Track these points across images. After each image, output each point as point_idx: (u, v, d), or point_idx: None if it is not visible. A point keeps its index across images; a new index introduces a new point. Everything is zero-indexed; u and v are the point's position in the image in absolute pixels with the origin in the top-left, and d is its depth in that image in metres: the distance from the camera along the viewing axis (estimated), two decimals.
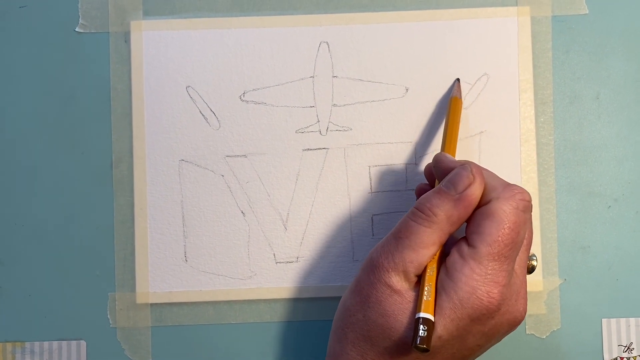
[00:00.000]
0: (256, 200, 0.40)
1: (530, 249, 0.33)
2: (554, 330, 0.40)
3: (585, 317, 0.40)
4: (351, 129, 0.40)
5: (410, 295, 0.30)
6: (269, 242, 0.40)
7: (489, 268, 0.30)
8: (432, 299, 0.30)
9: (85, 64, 0.41)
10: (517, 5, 0.41)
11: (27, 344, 0.40)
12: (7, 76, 0.41)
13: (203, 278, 0.40)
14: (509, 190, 0.31)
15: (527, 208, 0.31)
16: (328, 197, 0.40)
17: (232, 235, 0.40)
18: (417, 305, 0.30)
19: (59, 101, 0.41)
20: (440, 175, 0.34)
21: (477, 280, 0.30)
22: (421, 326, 0.29)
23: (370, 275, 0.31)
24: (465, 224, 0.32)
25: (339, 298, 0.40)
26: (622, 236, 0.40)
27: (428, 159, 0.40)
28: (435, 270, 0.31)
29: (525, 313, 0.32)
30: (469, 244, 0.31)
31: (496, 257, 0.30)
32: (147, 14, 0.41)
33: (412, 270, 0.31)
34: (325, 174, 0.40)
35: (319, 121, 0.40)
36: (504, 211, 0.30)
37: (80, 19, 0.41)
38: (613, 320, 0.40)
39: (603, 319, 0.40)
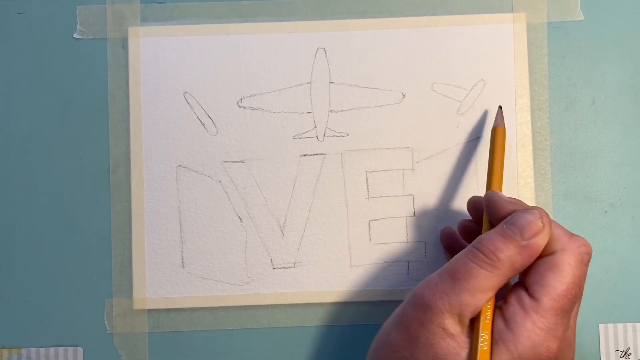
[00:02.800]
0: (253, 205, 0.40)
1: (581, 299, 0.32)
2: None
3: (583, 322, 0.40)
4: (348, 135, 0.41)
5: (463, 340, 0.29)
6: (267, 247, 0.40)
7: (552, 322, 0.29)
8: (488, 348, 0.29)
9: (83, 70, 0.41)
10: (513, 12, 0.41)
11: (24, 350, 0.40)
12: (6, 82, 0.41)
13: (200, 284, 0.40)
14: (574, 242, 0.30)
15: (589, 261, 0.31)
16: (325, 203, 0.40)
17: (230, 241, 0.40)
18: (472, 353, 0.29)
19: (57, 107, 0.41)
20: (494, 216, 0.32)
21: (539, 335, 0.29)
22: None
23: (420, 313, 0.30)
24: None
25: (336, 304, 0.40)
26: (619, 241, 0.40)
27: (425, 165, 0.40)
28: (490, 316, 0.30)
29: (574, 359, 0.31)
30: (531, 295, 0.30)
31: (559, 311, 0.29)
32: (145, 20, 0.41)
33: (468, 315, 0.29)
34: (322, 180, 0.40)
35: (316, 127, 0.41)
36: (570, 264, 0.30)
37: (78, 26, 0.41)
38: (610, 326, 0.40)
39: (600, 324, 0.40)
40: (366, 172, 0.40)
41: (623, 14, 0.41)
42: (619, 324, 0.40)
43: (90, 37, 0.41)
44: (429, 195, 0.40)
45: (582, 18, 0.41)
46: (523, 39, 0.41)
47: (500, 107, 0.39)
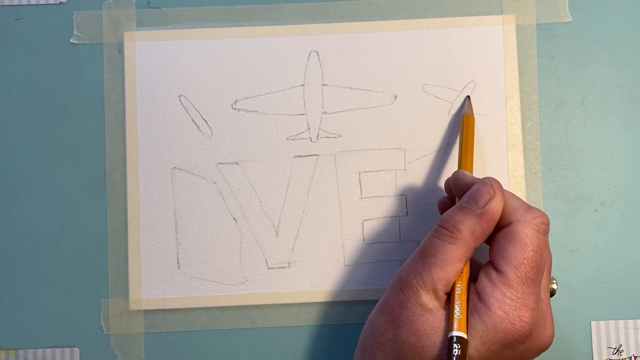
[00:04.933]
0: (248, 206, 0.41)
1: (550, 272, 0.33)
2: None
3: (575, 319, 0.40)
4: (341, 136, 0.41)
5: (441, 313, 0.31)
6: (261, 248, 0.41)
7: (519, 291, 0.30)
8: (463, 317, 0.30)
9: (80, 74, 0.42)
10: (502, 14, 0.42)
11: (21, 352, 0.40)
12: (3, 86, 0.42)
13: (196, 284, 0.40)
14: (530, 213, 0.31)
15: (547, 231, 0.32)
16: (319, 203, 0.41)
17: (225, 242, 0.41)
18: (449, 324, 0.30)
19: (53, 111, 0.41)
20: (459, 192, 0.34)
21: (509, 304, 0.30)
22: (455, 345, 0.29)
23: (399, 294, 0.31)
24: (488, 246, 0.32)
25: (330, 303, 0.40)
26: (610, 239, 0.41)
27: (417, 165, 0.41)
28: (464, 287, 0.31)
29: (553, 338, 0.32)
30: (496, 269, 0.31)
31: (524, 280, 0.30)
32: (141, 25, 0.42)
33: (441, 288, 0.31)
34: (316, 180, 0.41)
35: (309, 128, 0.41)
36: (527, 234, 0.31)
37: (74, 31, 0.42)
38: (602, 323, 0.40)
39: (592, 322, 0.40)
40: (359, 172, 0.41)
41: (611, 16, 0.42)
42: (610, 321, 0.40)
43: (87, 42, 0.42)
44: (421, 194, 0.41)
45: (571, 19, 0.42)
46: (512, 40, 0.41)
47: (468, 97, 0.41)
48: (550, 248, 0.40)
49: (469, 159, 0.37)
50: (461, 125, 0.39)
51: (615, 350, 0.40)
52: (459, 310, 0.30)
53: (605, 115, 0.41)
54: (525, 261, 0.30)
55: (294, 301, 0.40)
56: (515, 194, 0.34)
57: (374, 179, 0.41)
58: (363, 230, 0.41)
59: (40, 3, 0.42)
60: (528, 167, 0.41)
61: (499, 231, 0.32)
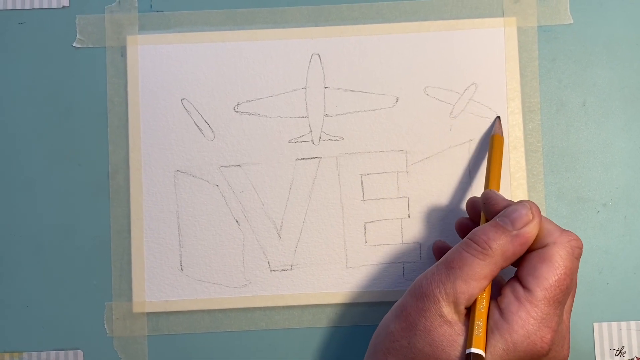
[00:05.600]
0: (250, 209, 0.41)
1: (574, 295, 0.33)
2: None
3: (577, 321, 0.40)
4: (343, 139, 0.41)
5: (459, 327, 0.30)
6: (264, 250, 0.41)
7: (544, 312, 0.30)
8: (483, 335, 0.30)
9: (83, 78, 0.42)
10: (503, 16, 0.42)
11: (25, 354, 0.40)
12: (7, 89, 0.42)
13: (199, 287, 0.41)
14: (565, 236, 0.32)
15: (580, 255, 0.32)
16: (321, 206, 0.41)
17: (227, 244, 0.41)
18: (467, 340, 0.30)
19: (57, 114, 0.42)
20: (489, 212, 0.34)
21: (533, 324, 0.30)
22: None
23: (418, 302, 0.31)
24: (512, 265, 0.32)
25: (333, 305, 0.40)
26: (612, 240, 0.41)
27: (419, 167, 0.41)
28: (485, 305, 0.31)
29: (568, 357, 0.32)
30: (524, 286, 0.31)
31: (551, 302, 0.30)
32: (143, 28, 0.42)
33: (463, 302, 0.30)
34: (318, 183, 0.41)
35: (311, 131, 0.41)
36: (561, 256, 0.31)
37: (77, 35, 0.42)
38: (605, 324, 0.40)
39: (595, 323, 0.40)
40: (361, 175, 0.41)
41: (612, 17, 0.42)
42: (613, 323, 0.40)
43: (90, 46, 0.42)
44: (423, 197, 0.41)
45: (572, 22, 0.42)
46: (514, 42, 0.42)
47: (498, 117, 0.41)
48: None
49: (496, 179, 0.37)
50: (490, 145, 0.39)
51: (618, 352, 0.40)
52: (479, 327, 0.30)
53: (607, 117, 0.41)
54: (556, 283, 0.30)
55: (296, 303, 0.40)
56: (549, 219, 0.33)
57: (376, 182, 0.41)
58: (365, 232, 0.41)
59: (44, 7, 0.42)
60: (530, 168, 0.41)
61: (531, 252, 0.32)
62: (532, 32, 0.42)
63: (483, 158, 0.41)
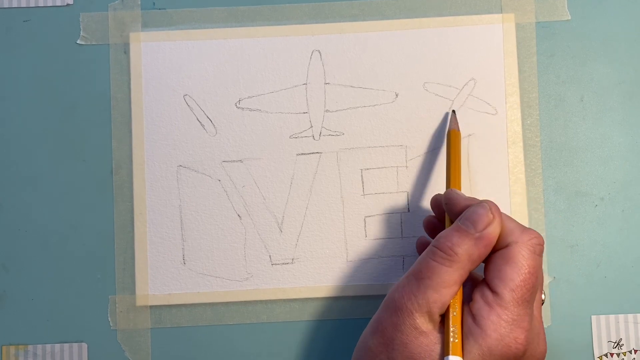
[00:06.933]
0: (252, 203, 0.41)
1: (542, 290, 0.34)
2: (544, 328, 0.41)
3: (575, 314, 0.41)
4: (343, 134, 0.42)
5: (435, 336, 0.30)
6: (265, 244, 0.41)
7: (515, 313, 0.30)
8: (459, 340, 0.30)
9: (86, 75, 0.42)
10: (502, 13, 0.42)
11: (30, 347, 0.41)
12: (12, 87, 0.42)
13: (201, 280, 0.41)
14: (526, 235, 0.32)
15: (542, 252, 0.32)
16: (322, 200, 0.41)
17: (229, 238, 0.41)
18: (444, 347, 0.30)
19: (61, 110, 0.42)
20: (453, 212, 0.34)
21: (505, 327, 0.30)
22: None
23: (393, 316, 0.31)
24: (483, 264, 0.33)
25: (333, 298, 0.41)
26: (609, 234, 0.41)
27: (418, 162, 0.41)
28: (458, 310, 0.31)
29: (545, 353, 0.32)
30: (492, 290, 0.31)
31: (520, 302, 0.30)
32: (146, 25, 0.42)
33: (436, 311, 0.31)
34: (318, 178, 0.42)
35: (312, 126, 0.42)
36: (523, 256, 0.31)
37: (81, 32, 0.43)
38: (602, 317, 0.41)
39: (593, 316, 0.41)
40: (361, 169, 0.42)
41: (609, 14, 0.42)
42: (610, 316, 0.41)
43: (93, 43, 0.43)
44: (422, 191, 0.41)
45: (570, 18, 0.42)
46: (512, 38, 0.42)
47: (453, 111, 0.41)
48: (551, 244, 0.41)
49: (457, 176, 0.37)
50: (447, 141, 0.39)
51: (616, 344, 0.40)
52: (454, 334, 0.30)
53: (604, 112, 0.42)
54: (522, 283, 0.30)
55: (297, 296, 0.41)
56: (509, 216, 0.33)
57: (376, 176, 0.41)
58: (365, 226, 0.41)
59: (48, 5, 0.43)
60: (528, 163, 0.41)
61: (495, 252, 0.32)
62: (531, 28, 0.42)
63: (482, 152, 0.41)
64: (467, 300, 0.32)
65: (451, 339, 0.30)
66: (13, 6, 0.43)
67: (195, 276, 0.41)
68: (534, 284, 0.31)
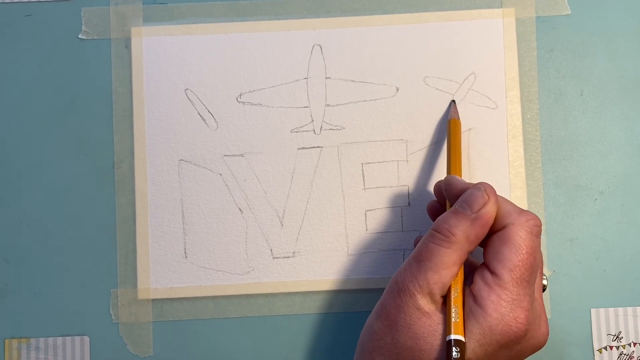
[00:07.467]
0: (253, 197, 0.42)
1: (542, 272, 0.34)
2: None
3: (575, 307, 0.41)
4: (344, 128, 0.42)
5: (438, 317, 0.31)
6: (266, 238, 0.41)
7: (514, 293, 0.31)
8: (460, 320, 0.30)
9: (88, 69, 0.43)
10: (502, 7, 0.42)
11: (32, 340, 0.41)
12: (14, 81, 0.42)
13: (202, 274, 0.41)
14: (523, 216, 0.32)
15: (540, 233, 0.32)
16: (323, 194, 0.42)
17: (231, 232, 0.41)
18: (446, 327, 0.31)
19: (62, 105, 0.42)
20: (452, 196, 0.35)
21: (505, 307, 0.30)
22: (454, 348, 0.30)
23: (396, 299, 0.32)
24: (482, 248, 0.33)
25: (334, 291, 0.41)
26: (609, 228, 0.41)
27: (419, 156, 0.41)
28: (459, 290, 0.32)
29: (547, 335, 0.33)
30: (491, 271, 0.31)
31: (519, 282, 0.31)
32: (147, 20, 0.43)
33: (437, 292, 0.31)
34: (319, 172, 0.42)
35: (313, 121, 0.42)
36: (520, 237, 0.31)
37: (83, 26, 0.43)
38: (602, 310, 0.41)
39: (592, 309, 0.41)
40: (362, 163, 0.42)
41: (609, 8, 0.42)
42: (610, 309, 0.41)
43: (95, 38, 0.43)
44: (423, 185, 0.41)
45: (570, 12, 0.42)
46: (512, 33, 0.42)
47: (453, 101, 0.41)
48: (551, 237, 0.41)
49: (457, 163, 0.37)
50: (448, 130, 0.40)
51: (615, 337, 0.41)
52: (456, 313, 0.31)
53: (604, 106, 0.42)
54: (520, 263, 0.31)
55: (298, 290, 0.41)
56: (507, 199, 0.34)
57: (377, 170, 0.42)
58: (366, 220, 0.41)
59: (50, 0, 0.43)
60: (528, 157, 0.42)
61: (493, 234, 0.33)
62: (531, 23, 0.42)
63: (482, 146, 0.41)
64: (469, 283, 0.32)
65: (453, 319, 0.30)
66: (14, 1, 0.43)
67: (196, 270, 0.41)
68: (532, 264, 0.31)
